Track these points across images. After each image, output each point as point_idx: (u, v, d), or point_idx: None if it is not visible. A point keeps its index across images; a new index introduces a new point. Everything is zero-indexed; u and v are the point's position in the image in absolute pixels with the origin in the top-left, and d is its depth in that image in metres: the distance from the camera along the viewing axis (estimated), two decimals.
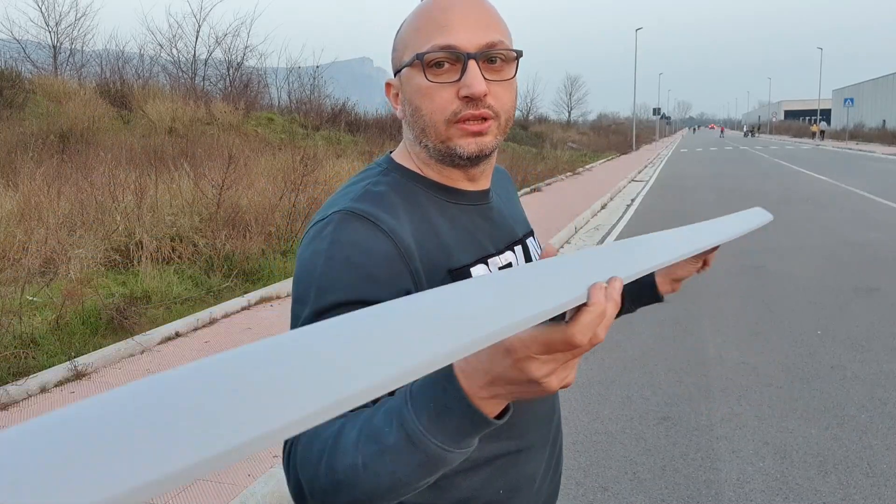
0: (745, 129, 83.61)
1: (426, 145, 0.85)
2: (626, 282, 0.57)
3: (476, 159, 0.85)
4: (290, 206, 7.47)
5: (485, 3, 0.84)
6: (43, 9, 19.98)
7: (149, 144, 10.87)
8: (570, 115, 58.55)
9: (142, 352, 4.33)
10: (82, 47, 20.58)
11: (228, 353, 0.35)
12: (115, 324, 4.54)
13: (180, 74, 20.85)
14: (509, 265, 0.91)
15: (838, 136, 53.39)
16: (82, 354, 4.06)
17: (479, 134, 0.82)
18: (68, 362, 3.88)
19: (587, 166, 21.92)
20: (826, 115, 75.49)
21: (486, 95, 0.80)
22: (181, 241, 6.24)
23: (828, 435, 3.25)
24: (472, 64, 0.79)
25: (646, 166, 23.56)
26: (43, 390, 3.69)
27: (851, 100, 52.08)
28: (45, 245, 5.37)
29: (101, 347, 4.21)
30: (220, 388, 0.32)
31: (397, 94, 0.88)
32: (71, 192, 6.82)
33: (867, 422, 3.38)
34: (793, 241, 8.25)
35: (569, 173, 18.60)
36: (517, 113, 1.15)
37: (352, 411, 0.46)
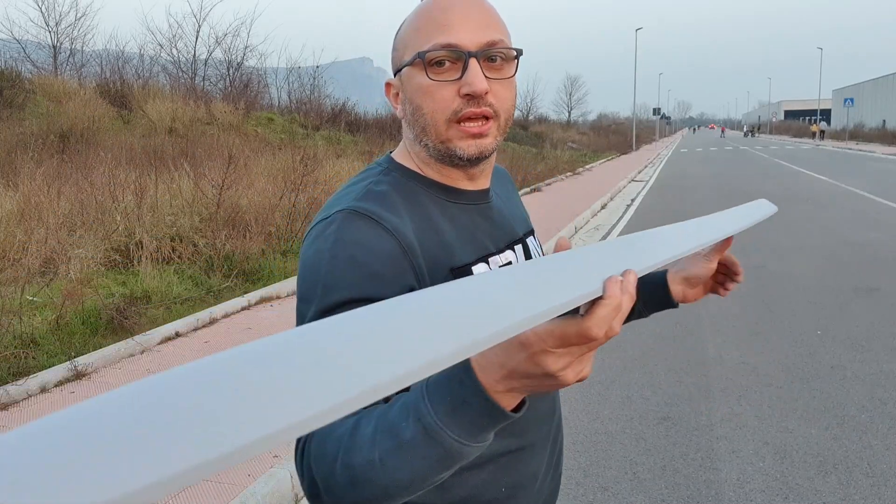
0: (744, 129, 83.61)
1: (426, 144, 0.85)
2: (640, 274, 0.57)
3: (476, 160, 0.85)
4: (290, 206, 7.47)
5: (485, 2, 0.85)
6: (43, 9, 19.98)
7: (149, 144, 10.87)
8: (570, 115, 58.54)
9: (142, 352, 4.33)
10: (82, 47, 20.58)
11: (231, 351, 0.35)
12: (115, 324, 4.54)
13: (180, 74, 20.85)
14: (509, 264, 0.91)
15: (838, 136, 53.40)
16: (82, 354, 4.06)
17: (479, 136, 0.83)
18: (68, 362, 3.88)
19: (587, 166, 21.91)
20: (826, 115, 75.47)
21: (487, 93, 0.80)
22: (181, 241, 6.24)
23: (828, 435, 3.25)
24: (473, 62, 0.80)
25: (646, 166, 23.56)
26: (43, 390, 3.69)
27: (851, 100, 52.07)
28: (45, 245, 5.37)
29: (101, 347, 4.21)
30: (223, 388, 0.32)
31: (397, 94, 0.89)
32: (71, 192, 6.82)
33: (867, 422, 3.38)
34: (793, 241, 8.25)
35: (569, 173, 18.60)
36: (517, 113, 1.15)
37: (365, 407, 0.46)
